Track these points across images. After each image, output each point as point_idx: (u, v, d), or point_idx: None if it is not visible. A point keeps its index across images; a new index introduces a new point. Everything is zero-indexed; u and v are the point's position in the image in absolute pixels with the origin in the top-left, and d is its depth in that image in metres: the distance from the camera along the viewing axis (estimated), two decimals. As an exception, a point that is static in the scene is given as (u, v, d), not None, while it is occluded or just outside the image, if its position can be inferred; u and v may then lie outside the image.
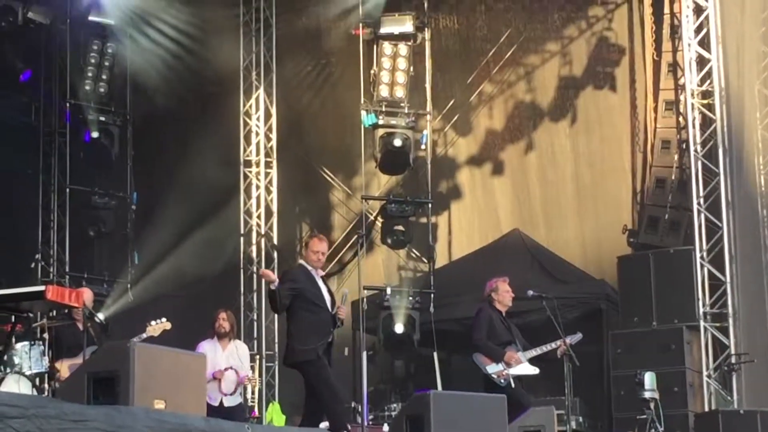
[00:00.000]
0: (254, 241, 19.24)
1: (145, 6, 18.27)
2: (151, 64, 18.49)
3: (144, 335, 12.71)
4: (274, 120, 19.33)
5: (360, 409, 14.59)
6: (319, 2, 19.68)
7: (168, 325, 12.79)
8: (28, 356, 11.18)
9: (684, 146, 17.37)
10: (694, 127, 16.72)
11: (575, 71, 19.39)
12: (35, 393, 10.61)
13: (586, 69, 19.28)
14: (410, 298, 17.83)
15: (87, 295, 13.08)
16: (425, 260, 18.90)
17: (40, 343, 11.51)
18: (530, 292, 13.23)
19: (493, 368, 12.78)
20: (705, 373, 16.07)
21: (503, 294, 13.13)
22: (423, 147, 18.53)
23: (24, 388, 10.87)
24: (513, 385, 12.68)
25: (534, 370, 12.91)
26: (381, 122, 18.25)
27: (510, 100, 19.78)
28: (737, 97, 17.04)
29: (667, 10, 18.09)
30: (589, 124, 19.26)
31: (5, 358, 10.88)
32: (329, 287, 11.37)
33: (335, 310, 11.06)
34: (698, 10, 16.77)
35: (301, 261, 11.40)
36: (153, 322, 12.84)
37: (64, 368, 11.95)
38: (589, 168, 19.21)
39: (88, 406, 6.81)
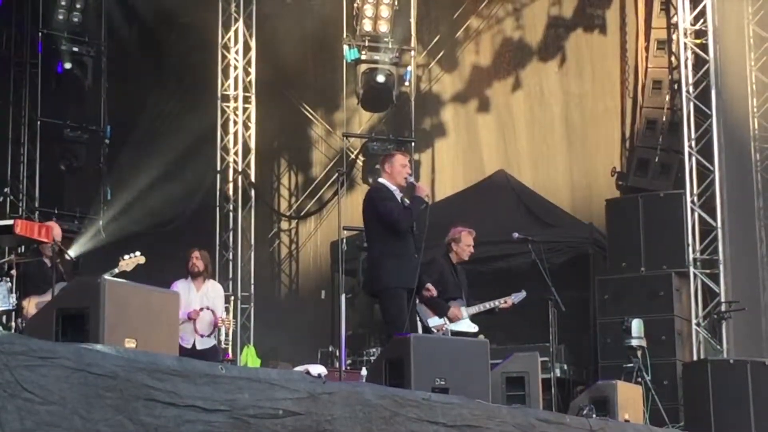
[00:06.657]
0: (231, 178, 18.76)
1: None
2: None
3: (116, 270, 12.26)
4: (253, 54, 18.79)
5: (338, 354, 14.30)
6: (302, -69, 19.11)
7: (142, 260, 12.33)
8: (-6, 293, 10.95)
9: (676, 87, 16.99)
10: (686, 67, 16.43)
11: (565, 11, 18.81)
12: (1, 330, 10.29)
13: (577, 9, 18.71)
14: (392, 239, 17.39)
15: (56, 230, 12.70)
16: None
17: (7, 280, 11.29)
18: (516, 235, 12.84)
19: (434, 321, 12.25)
20: (694, 321, 15.82)
21: (464, 247, 12.46)
22: (407, 83, 18.14)
23: (-11, 325, 10.66)
24: None
25: (473, 328, 12.32)
26: (364, 57, 17.82)
27: (498, 36, 19.19)
28: (731, 37, 16.71)
29: (660, -54, 17.62)
30: (578, 65, 18.79)
31: (-29, 295, 10.64)
32: None
33: None
34: (691, -54, 16.39)
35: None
36: (126, 257, 12.38)
37: (31, 306, 11.60)
38: (578, 109, 18.74)
39: (57, 343, 6.52)
